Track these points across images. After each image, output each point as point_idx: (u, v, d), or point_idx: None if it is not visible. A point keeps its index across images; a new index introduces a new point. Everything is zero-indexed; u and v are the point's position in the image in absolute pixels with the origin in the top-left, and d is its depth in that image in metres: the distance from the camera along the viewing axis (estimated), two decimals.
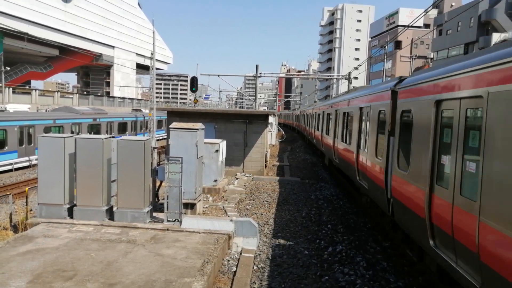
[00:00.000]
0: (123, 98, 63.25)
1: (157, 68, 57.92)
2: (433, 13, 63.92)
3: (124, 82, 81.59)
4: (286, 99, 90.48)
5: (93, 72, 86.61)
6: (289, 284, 7.03)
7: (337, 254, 8.49)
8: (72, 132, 25.30)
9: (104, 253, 7.04)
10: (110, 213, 9.13)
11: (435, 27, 60.06)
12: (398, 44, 71.99)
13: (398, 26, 76.30)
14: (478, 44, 48.83)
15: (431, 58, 59.18)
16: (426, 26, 74.42)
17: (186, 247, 7.55)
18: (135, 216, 8.88)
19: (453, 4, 63.16)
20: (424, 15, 13.69)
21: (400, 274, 7.63)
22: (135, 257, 6.92)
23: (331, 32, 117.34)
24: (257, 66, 32.84)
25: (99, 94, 70.27)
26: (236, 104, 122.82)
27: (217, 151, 13.59)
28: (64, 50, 60.81)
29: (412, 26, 16.99)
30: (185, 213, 9.74)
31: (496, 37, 42.41)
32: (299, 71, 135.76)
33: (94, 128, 28.56)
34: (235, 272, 7.28)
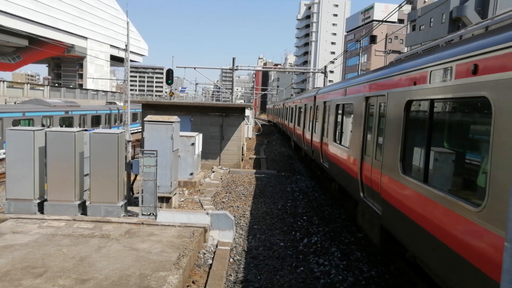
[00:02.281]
0: (97, 90, 61.75)
1: (131, 60, 56.86)
2: (407, 8, 65.10)
3: (98, 74, 79.66)
4: (263, 92, 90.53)
5: (65, 63, 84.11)
6: (265, 276, 7.08)
7: (312, 245, 8.61)
8: (43, 125, 24.55)
9: (76, 248, 6.89)
10: (83, 208, 8.94)
11: (408, 23, 61.25)
12: (373, 39, 72.95)
13: (373, 21, 77.36)
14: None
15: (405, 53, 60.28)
16: (400, 21, 75.76)
17: (161, 241, 7.49)
18: (108, 210, 8.73)
19: (426, 0, 64.49)
20: (398, 10, 13.90)
21: (373, 264, 7.82)
22: (108, 252, 6.81)
23: (307, 26, 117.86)
24: (233, 59, 32.70)
25: (71, 86, 68.33)
26: (213, 97, 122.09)
27: (193, 144, 13.49)
28: (34, 40, 58.76)
29: (386, 21, 17.26)
30: (161, 207, 9.65)
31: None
32: (276, 65, 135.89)
33: (66, 121, 27.81)
34: (211, 265, 7.28)
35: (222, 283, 6.55)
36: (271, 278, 7.01)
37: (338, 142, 10.80)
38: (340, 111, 10.94)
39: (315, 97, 15.72)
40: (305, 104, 18.43)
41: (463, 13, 49.62)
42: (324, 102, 13.41)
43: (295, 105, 23.41)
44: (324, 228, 9.79)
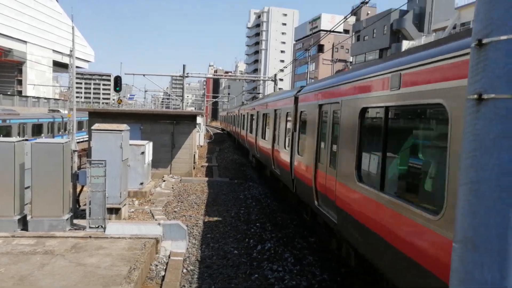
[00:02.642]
0: (38, 97, 58.41)
1: (77, 67, 54.44)
2: (352, 20, 68.06)
3: (39, 80, 75.30)
4: (214, 100, 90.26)
5: (2, 69, 78.75)
6: (219, 285, 7.01)
7: (266, 251, 8.65)
8: None
9: (16, 266, 6.43)
10: (24, 223, 8.37)
11: (353, 33, 63.99)
12: (320, 48, 75.40)
13: (320, 30, 79.97)
14: (390, 50, 52.97)
15: (350, 62, 62.91)
16: (346, 31, 78.99)
17: (111, 254, 7.18)
18: (53, 224, 8.24)
19: (369, 12, 67.81)
20: (343, 21, 14.48)
21: (325, 268, 7.99)
22: (53, 269, 6.42)
23: (257, 34, 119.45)
24: (184, 66, 32.34)
25: (9, 93, 64.08)
26: (163, 105, 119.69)
27: (143, 153, 13.13)
28: None
29: (333, 31, 17.89)
30: (109, 219, 9.26)
31: (405, 44, 46.36)
32: (227, 72, 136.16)
33: (4, 131, 25.99)
34: (163, 276, 7.09)
35: None
36: (225, 287, 6.95)
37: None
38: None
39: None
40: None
41: (402, 26, 52.75)
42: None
43: (247, 113, 23.37)
44: (277, 234, 9.88)
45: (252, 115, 20.82)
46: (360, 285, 7.11)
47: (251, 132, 20.84)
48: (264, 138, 15.73)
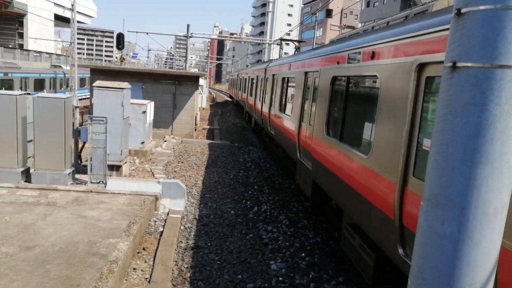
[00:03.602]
0: (40, 52, 57.73)
1: (78, 22, 53.36)
2: None
3: (41, 34, 74.18)
4: (218, 62, 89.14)
5: (3, 21, 77.33)
6: (215, 242, 7.29)
7: (262, 213, 8.92)
8: None
9: (20, 216, 6.69)
10: (27, 175, 8.60)
11: None
12: (329, 13, 73.45)
13: None
14: None
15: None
16: None
17: (111, 208, 7.43)
18: (55, 178, 8.46)
19: None
20: None
21: (318, 231, 8.27)
22: (55, 219, 6.68)
23: None
24: (188, 25, 31.77)
25: (10, 46, 63.29)
26: (166, 65, 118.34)
27: (144, 112, 13.21)
28: None
29: None
30: (110, 175, 9.49)
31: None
32: (232, 34, 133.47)
33: (6, 84, 25.96)
34: (162, 232, 7.37)
35: (172, 249, 6.68)
36: (221, 244, 7.24)
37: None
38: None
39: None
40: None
41: None
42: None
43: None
44: (274, 197, 10.13)
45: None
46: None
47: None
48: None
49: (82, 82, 38.54)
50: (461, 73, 1.35)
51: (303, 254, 7.01)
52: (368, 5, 61.21)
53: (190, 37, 32.16)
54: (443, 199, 1.38)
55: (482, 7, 1.29)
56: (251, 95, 21.43)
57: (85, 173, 9.14)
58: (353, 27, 64.19)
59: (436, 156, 1.42)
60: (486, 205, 1.35)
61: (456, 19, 1.38)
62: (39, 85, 30.65)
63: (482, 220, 1.35)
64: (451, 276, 1.37)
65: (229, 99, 53.10)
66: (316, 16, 39.03)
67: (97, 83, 9.83)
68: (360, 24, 63.01)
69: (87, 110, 19.81)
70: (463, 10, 1.34)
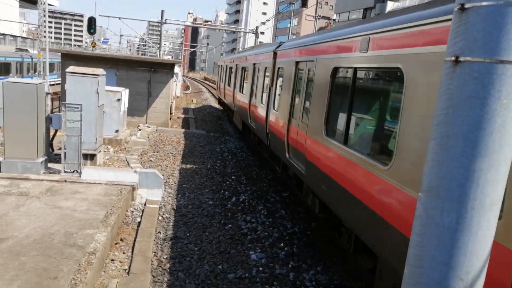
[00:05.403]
0: (4, 34, 55.14)
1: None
2: None
3: (5, 16, 70.79)
4: (192, 49, 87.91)
5: None
6: (194, 233, 7.26)
7: (240, 203, 8.94)
8: None
9: None
10: None
11: None
12: (304, 3, 73.54)
13: None
14: (374, 10, 52.28)
15: (334, 19, 61.93)
16: None
17: (87, 198, 7.26)
18: (27, 167, 8.17)
19: None
20: None
21: (296, 221, 8.37)
22: (28, 210, 6.46)
23: None
24: (162, 11, 31.13)
25: None
26: (138, 51, 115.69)
27: (119, 100, 12.91)
28: None
29: None
30: (85, 165, 9.25)
31: (390, 5, 45.78)
32: (206, 21, 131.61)
33: None
34: (139, 222, 7.27)
35: (151, 240, 6.61)
36: (200, 234, 7.22)
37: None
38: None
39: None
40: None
41: None
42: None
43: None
44: (251, 187, 10.17)
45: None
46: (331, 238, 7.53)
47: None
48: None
49: (51, 67, 37.09)
50: (464, 67, 1.38)
51: (282, 244, 7.08)
52: None
53: (164, 23, 31.55)
54: (442, 191, 1.42)
55: (485, 3, 1.33)
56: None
57: (58, 162, 8.87)
58: (328, 18, 64.60)
59: (436, 148, 1.46)
60: (484, 196, 1.40)
61: (459, 14, 1.41)
62: (5, 69, 29.31)
63: (480, 211, 1.40)
64: (448, 265, 1.42)
65: (206, 84, 52.38)
66: (292, 6, 39.03)
67: (71, 68, 9.51)
68: (335, 15, 63.41)
69: (58, 96, 19.16)
70: (466, 5, 1.37)
